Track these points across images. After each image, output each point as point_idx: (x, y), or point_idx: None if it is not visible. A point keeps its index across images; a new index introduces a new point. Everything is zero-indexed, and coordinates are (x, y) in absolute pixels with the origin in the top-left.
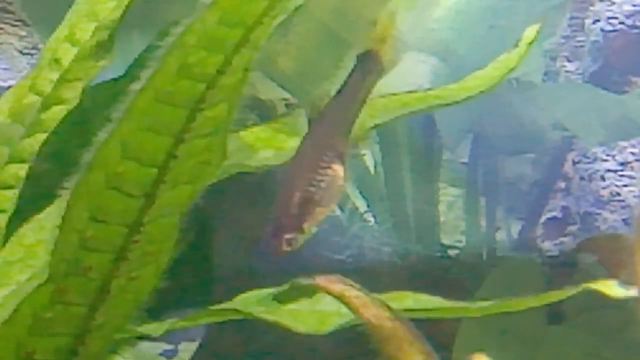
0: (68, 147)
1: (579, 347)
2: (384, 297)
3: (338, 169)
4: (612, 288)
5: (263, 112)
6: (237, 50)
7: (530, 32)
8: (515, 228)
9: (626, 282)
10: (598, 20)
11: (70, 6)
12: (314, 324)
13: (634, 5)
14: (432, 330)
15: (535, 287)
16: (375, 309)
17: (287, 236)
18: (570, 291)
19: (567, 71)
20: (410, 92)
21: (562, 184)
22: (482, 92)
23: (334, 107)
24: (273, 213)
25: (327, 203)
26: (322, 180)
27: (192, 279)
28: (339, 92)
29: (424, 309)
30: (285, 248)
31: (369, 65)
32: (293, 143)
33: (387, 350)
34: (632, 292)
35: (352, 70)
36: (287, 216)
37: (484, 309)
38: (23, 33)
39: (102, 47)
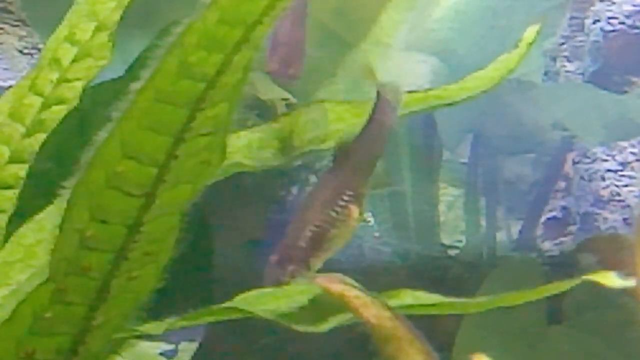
0: (68, 147)
1: (579, 347)
2: (383, 295)
3: (354, 210)
4: (610, 279)
5: (263, 112)
6: (237, 50)
7: (530, 32)
8: (515, 228)
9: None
10: (598, 20)
11: (70, 6)
12: (313, 322)
13: (634, 5)
14: (432, 330)
15: (535, 287)
16: (375, 309)
17: (292, 268)
18: (569, 283)
19: (567, 71)
20: (410, 92)
21: (562, 184)
22: (482, 92)
23: (359, 146)
24: (281, 241)
25: (337, 242)
26: (336, 219)
27: (192, 279)
28: (363, 130)
29: (423, 305)
30: (287, 279)
31: (386, 104)
32: (293, 143)
33: (387, 350)
34: (629, 283)
35: (374, 108)
36: (296, 248)
37: (483, 304)
38: (23, 33)
39: (102, 47)
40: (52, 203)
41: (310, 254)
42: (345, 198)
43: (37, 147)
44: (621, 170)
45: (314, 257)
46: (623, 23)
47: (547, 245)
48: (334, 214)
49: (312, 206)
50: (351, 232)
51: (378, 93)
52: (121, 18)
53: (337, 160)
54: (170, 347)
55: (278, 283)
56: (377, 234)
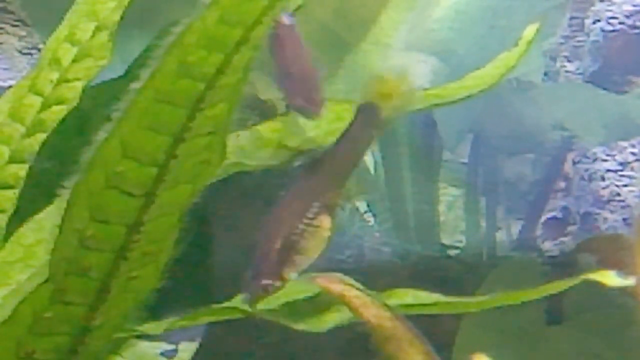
0: (68, 147)
1: (579, 347)
2: (383, 294)
3: (324, 221)
4: (610, 278)
5: (263, 112)
6: (237, 50)
7: (529, 30)
8: (515, 228)
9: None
10: (598, 20)
11: (70, 6)
12: (313, 322)
13: (634, 5)
14: (432, 330)
15: (535, 287)
16: (375, 309)
17: (265, 282)
18: (568, 283)
19: (567, 71)
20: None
21: (562, 184)
22: (481, 91)
23: (329, 157)
24: (254, 256)
25: (310, 253)
26: (305, 230)
27: (192, 279)
28: (337, 142)
29: (423, 305)
30: (262, 294)
31: (369, 118)
32: (292, 143)
33: (387, 350)
34: (629, 282)
35: (352, 122)
36: (267, 262)
37: (483, 303)
38: (23, 33)
39: (102, 47)
40: (52, 203)
41: (282, 266)
42: (313, 209)
43: (37, 147)
44: (621, 170)
45: (286, 269)
46: (623, 23)
47: (547, 245)
48: (302, 225)
49: (279, 218)
50: (324, 242)
51: (358, 107)
52: (121, 18)
53: (305, 171)
54: (170, 347)
55: (255, 298)
56: (377, 234)
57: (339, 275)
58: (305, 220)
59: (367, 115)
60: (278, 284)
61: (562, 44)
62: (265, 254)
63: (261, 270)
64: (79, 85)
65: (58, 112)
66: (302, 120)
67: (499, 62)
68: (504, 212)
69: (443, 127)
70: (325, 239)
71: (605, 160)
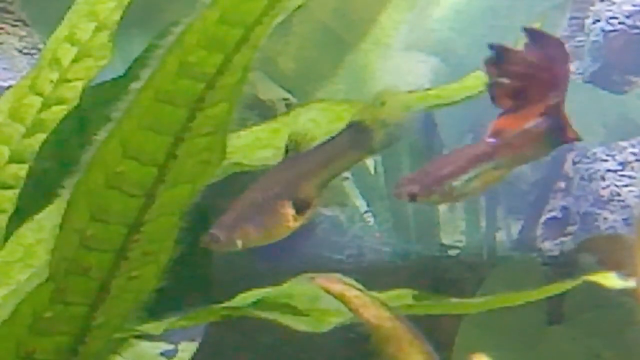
0: (68, 147)
1: (579, 347)
2: (384, 295)
3: (287, 211)
4: (610, 280)
5: (263, 112)
6: (237, 50)
7: None
8: (515, 228)
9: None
10: (598, 20)
11: (70, 6)
12: (313, 322)
13: (634, 5)
14: (432, 330)
15: (535, 287)
16: (375, 309)
17: (213, 232)
18: (569, 284)
19: None
20: (410, 92)
21: (562, 184)
22: (481, 91)
23: (309, 156)
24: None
25: (266, 232)
26: (262, 206)
27: (192, 279)
28: (320, 145)
29: (423, 305)
30: (206, 241)
31: (359, 138)
32: (292, 142)
33: (387, 350)
34: (629, 283)
35: (340, 134)
36: (225, 217)
37: (483, 304)
38: (23, 33)
39: (102, 47)
40: (52, 203)
41: (233, 228)
42: (277, 194)
43: (37, 147)
44: (621, 170)
45: (235, 233)
46: (623, 23)
47: (547, 245)
48: (263, 202)
49: (253, 188)
50: (283, 231)
51: (348, 124)
52: (121, 18)
53: (284, 160)
54: (170, 347)
55: (206, 244)
56: (377, 234)
57: (339, 275)
58: (266, 198)
59: (354, 135)
60: (223, 238)
61: None
62: (230, 211)
63: (219, 222)
64: (79, 85)
65: (58, 112)
66: (302, 120)
67: None
68: (504, 212)
69: (443, 127)
70: (284, 227)
71: (605, 160)
